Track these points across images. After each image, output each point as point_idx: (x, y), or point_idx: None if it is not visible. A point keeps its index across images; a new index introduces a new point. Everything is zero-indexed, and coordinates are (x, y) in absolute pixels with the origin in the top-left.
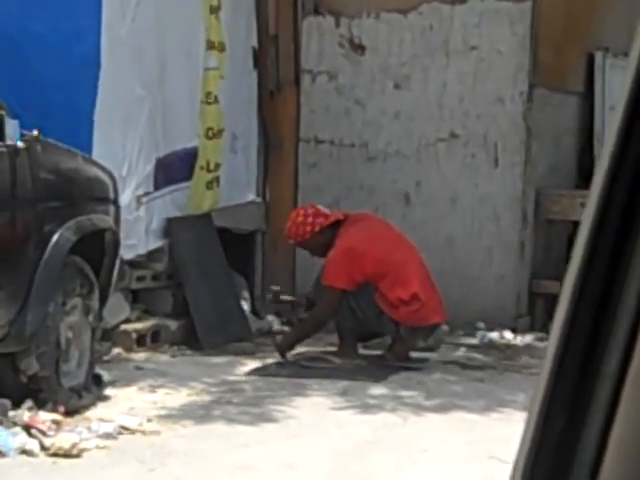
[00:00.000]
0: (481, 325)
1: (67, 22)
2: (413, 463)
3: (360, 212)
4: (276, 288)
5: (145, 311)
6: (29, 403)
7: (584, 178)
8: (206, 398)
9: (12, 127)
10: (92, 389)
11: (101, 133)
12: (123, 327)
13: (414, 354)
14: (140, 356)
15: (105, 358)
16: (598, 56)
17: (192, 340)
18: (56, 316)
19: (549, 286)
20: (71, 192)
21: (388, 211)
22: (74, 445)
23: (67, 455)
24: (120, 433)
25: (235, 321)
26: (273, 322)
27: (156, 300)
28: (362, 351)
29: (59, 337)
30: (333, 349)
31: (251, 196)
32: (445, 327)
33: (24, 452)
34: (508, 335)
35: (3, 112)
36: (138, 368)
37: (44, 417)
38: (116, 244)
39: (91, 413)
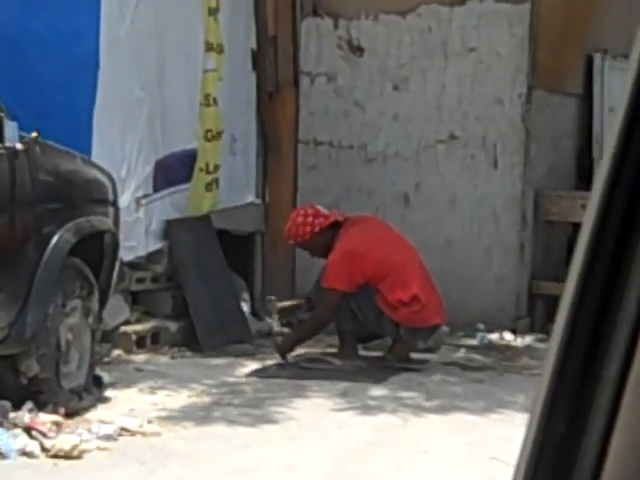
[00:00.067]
0: (481, 326)
1: (66, 22)
2: (413, 464)
3: (360, 214)
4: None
5: (145, 313)
6: (29, 405)
7: (583, 179)
8: (206, 399)
9: (11, 129)
10: (92, 391)
11: (100, 135)
12: (123, 329)
13: (414, 355)
14: (140, 358)
15: (105, 360)
16: (597, 58)
17: (192, 342)
18: (56, 318)
19: (549, 287)
20: (70, 194)
21: (387, 212)
22: (74, 447)
23: (68, 457)
24: (120, 435)
25: (235, 322)
26: (273, 323)
27: (156, 302)
28: (362, 352)
29: (59, 339)
30: (333, 350)
31: (250, 198)
32: (445, 328)
33: (25, 454)
34: (508, 336)
35: (2, 114)
36: (138, 370)
37: (44, 419)
38: (115, 246)
39: (91, 415)
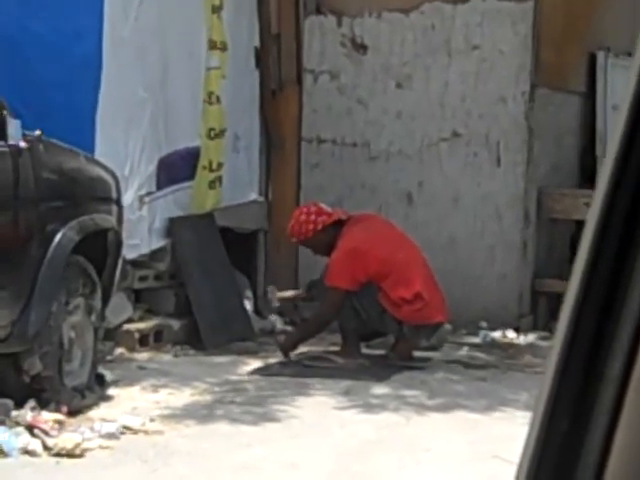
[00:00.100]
0: (484, 324)
1: (68, 22)
2: (416, 463)
3: (363, 212)
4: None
5: (148, 311)
6: (32, 403)
7: (586, 178)
8: (209, 398)
9: (14, 127)
10: (95, 389)
11: (104, 133)
12: (126, 327)
13: (417, 353)
14: (143, 356)
15: (108, 358)
16: (600, 56)
17: (195, 340)
18: (59, 316)
19: (552, 285)
20: (74, 192)
21: (390, 211)
22: (77, 445)
23: (70, 455)
24: (123, 433)
25: (238, 320)
26: (276, 322)
27: (159, 300)
28: (365, 350)
29: (62, 337)
30: (336, 349)
31: (253, 195)
32: (448, 326)
33: (27, 452)
34: (511, 334)
35: (5, 112)
36: (141, 368)
37: (47, 417)
38: (119, 244)
39: (94, 413)
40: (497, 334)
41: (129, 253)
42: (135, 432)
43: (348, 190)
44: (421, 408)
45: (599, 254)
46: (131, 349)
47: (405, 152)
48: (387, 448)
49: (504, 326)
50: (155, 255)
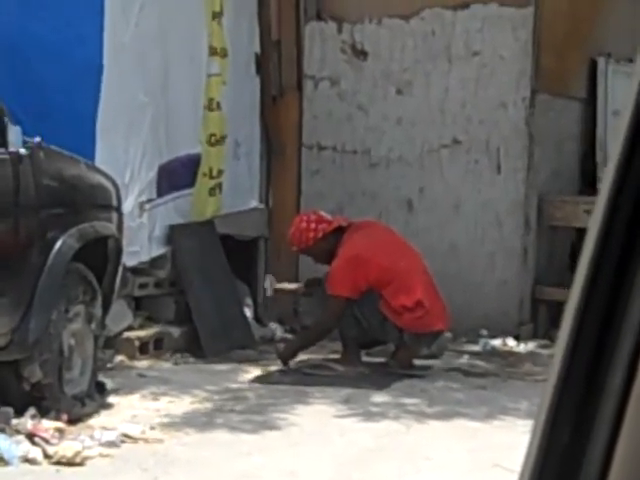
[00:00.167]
0: (484, 332)
1: (69, 27)
2: (416, 471)
3: (364, 219)
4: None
5: (148, 318)
6: (32, 411)
7: (587, 184)
8: (209, 406)
9: (15, 134)
10: (95, 397)
11: (104, 140)
12: (126, 334)
13: (417, 362)
14: (143, 364)
15: (108, 366)
16: (601, 62)
17: (195, 347)
18: (59, 323)
19: (552, 292)
20: (74, 199)
21: (391, 217)
22: (77, 453)
23: (70, 463)
24: (123, 441)
25: (238, 328)
26: (276, 329)
27: (159, 307)
28: (365, 358)
29: (62, 345)
30: (336, 357)
31: (254, 202)
32: (448, 334)
33: (27, 460)
34: (511, 342)
35: (6, 118)
36: (141, 376)
37: (47, 425)
38: (119, 251)
39: (94, 421)
40: (497, 342)
41: (129, 260)
42: (135, 440)
43: (348, 197)
44: (421, 416)
45: (601, 262)
46: (131, 357)
47: (405, 159)
48: (387, 456)
49: (504, 334)
50: (155, 262)
